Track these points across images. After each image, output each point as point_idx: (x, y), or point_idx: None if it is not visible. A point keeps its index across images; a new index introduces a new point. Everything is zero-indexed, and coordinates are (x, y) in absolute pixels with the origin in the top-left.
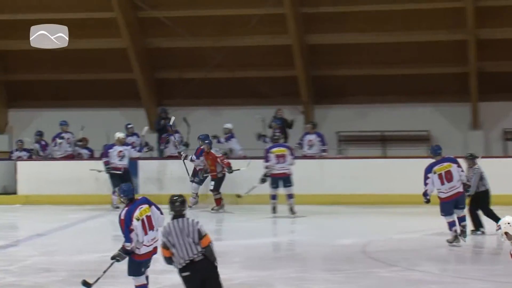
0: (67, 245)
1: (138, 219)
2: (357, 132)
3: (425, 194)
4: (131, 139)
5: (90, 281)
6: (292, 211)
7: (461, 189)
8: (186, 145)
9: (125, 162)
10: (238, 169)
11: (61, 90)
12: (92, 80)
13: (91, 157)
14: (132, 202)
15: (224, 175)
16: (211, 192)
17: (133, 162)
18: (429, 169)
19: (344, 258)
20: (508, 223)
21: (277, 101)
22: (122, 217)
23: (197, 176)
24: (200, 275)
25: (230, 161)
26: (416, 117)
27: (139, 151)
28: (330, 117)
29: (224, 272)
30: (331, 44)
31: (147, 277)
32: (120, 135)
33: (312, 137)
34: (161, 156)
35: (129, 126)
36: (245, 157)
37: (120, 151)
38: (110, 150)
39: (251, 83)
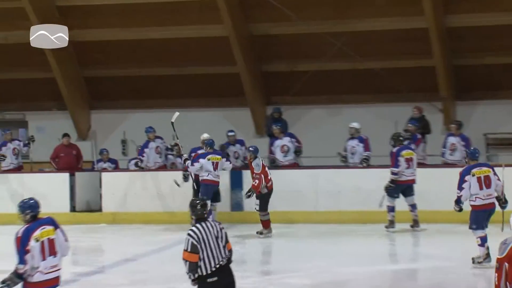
0: (160, 271)
1: (37, 240)
2: (510, 135)
3: (458, 201)
4: (233, 149)
5: None
6: (417, 224)
7: (495, 201)
8: (298, 152)
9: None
10: (249, 195)
11: (150, 88)
12: (187, 76)
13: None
14: (34, 220)
15: (270, 190)
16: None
17: (238, 172)
18: (467, 171)
19: None
20: None
21: (410, 97)
22: (19, 235)
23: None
24: (226, 280)
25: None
26: None
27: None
28: (475, 115)
29: None
30: (476, 27)
31: None
32: (206, 136)
33: (456, 139)
34: (272, 165)
35: (231, 134)
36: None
37: None
38: (192, 155)
39: (378, 75)
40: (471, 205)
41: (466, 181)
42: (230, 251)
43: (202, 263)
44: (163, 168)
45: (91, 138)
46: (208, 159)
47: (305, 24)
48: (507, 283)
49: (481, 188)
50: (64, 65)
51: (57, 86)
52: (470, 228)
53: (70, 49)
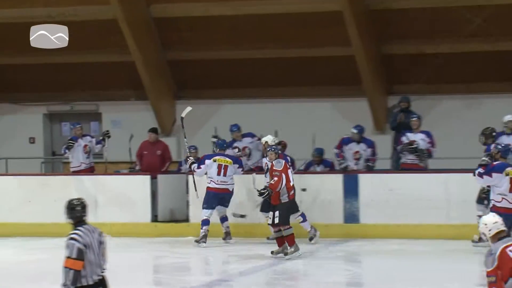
0: None
1: None
2: None
3: (480, 172)
4: (354, 148)
5: None
6: None
7: None
8: (425, 155)
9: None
10: (263, 193)
11: (248, 74)
12: (292, 59)
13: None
14: None
15: (291, 200)
16: (272, 226)
17: (353, 176)
18: (500, 167)
19: None
20: (485, 224)
21: None
22: None
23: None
24: None
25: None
26: None
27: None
28: None
29: None
30: None
31: None
32: (267, 138)
33: None
34: (398, 168)
35: (355, 130)
36: None
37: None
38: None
39: None
40: (494, 206)
41: (491, 176)
42: (105, 259)
43: (87, 272)
44: (257, 169)
45: (176, 134)
46: (214, 160)
47: None
48: None
49: (511, 191)
50: (145, 46)
51: (137, 72)
52: None
53: (152, 27)
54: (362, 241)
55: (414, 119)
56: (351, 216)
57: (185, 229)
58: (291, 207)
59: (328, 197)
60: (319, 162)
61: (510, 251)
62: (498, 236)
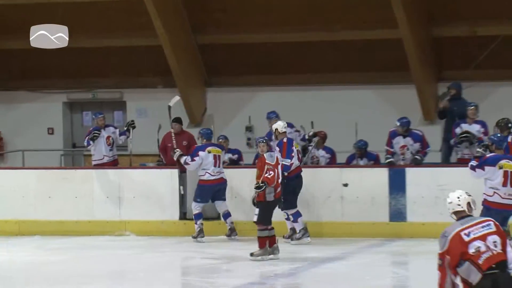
0: None
1: None
2: None
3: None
4: (400, 142)
5: None
6: None
7: None
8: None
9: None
10: (259, 186)
11: (286, 59)
12: (331, 42)
13: (331, 162)
14: None
15: (277, 199)
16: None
17: (400, 170)
18: (493, 160)
19: None
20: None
21: None
22: None
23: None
24: None
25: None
26: None
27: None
28: None
29: None
30: None
31: None
32: (278, 125)
33: None
34: (446, 161)
35: (400, 122)
36: None
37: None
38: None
39: None
40: (486, 200)
41: (483, 170)
42: None
43: None
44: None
45: (206, 124)
46: (209, 151)
47: None
48: (452, 276)
49: (504, 185)
50: (173, 28)
51: (164, 57)
52: None
53: (181, 7)
54: (409, 241)
55: (471, 107)
56: (397, 214)
57: (216, 227)
58: (274, 206)
59: (372, 193)
60: (362, 155)
61: (466, 234)
62: (458, 216)
